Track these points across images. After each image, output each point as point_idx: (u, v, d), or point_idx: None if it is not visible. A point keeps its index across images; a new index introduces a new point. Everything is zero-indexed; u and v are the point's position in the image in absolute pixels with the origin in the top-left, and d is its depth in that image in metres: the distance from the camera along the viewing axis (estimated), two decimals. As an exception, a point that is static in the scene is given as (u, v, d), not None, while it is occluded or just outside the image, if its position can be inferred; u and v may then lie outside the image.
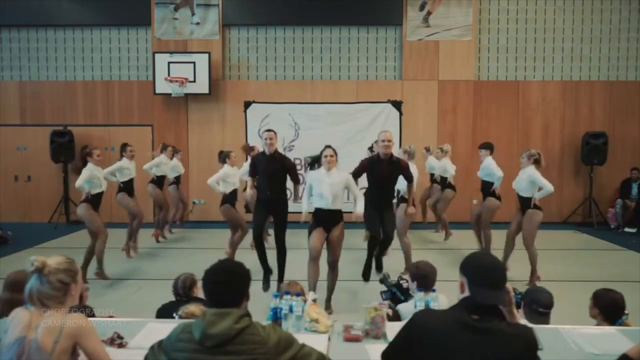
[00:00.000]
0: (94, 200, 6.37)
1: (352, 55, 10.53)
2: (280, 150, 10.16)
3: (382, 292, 4.22)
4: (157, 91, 10.11)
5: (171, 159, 8.96)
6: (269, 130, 5.86)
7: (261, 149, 6.57)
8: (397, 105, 10.24)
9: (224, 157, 7.18)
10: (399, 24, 10.35)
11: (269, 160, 5.77)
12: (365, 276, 5.93)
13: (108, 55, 10.66)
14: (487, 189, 6.99)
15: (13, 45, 10.69)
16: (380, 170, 5.69)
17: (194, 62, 10.00)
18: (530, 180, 6.12)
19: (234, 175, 7.10)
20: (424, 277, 3.48)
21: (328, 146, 5.32)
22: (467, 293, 2.03)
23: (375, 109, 10.24)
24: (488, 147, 7.25)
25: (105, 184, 6.59)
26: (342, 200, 5.29)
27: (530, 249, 6.25)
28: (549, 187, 6.08)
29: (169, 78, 9.91)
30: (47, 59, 10.67)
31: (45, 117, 10.58)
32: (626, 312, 3.23)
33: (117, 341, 2.66)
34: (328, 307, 5.20)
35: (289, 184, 5.92)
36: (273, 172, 5.75)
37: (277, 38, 10.54)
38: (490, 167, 6.91)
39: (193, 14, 10.32)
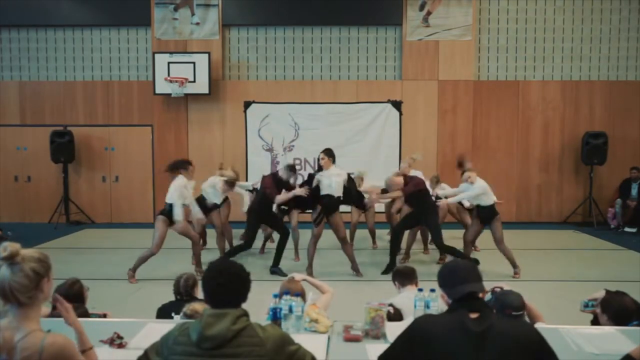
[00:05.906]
0: None
1: (352, 55, 10.53)
2: (280, 150, 10.26)
3: None
4: (157, 91, 10.10)
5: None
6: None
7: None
8: (397, 105, 10.24)
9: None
10: (399, 24, 10.34)
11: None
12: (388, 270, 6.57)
13: (108, 55, 10.65)
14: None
15: (13, 45, 10.68)
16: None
17: (194, 62, 9.98)
18: None
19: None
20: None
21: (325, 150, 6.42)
22: (448, 300, 2.09)
23: (375, 109, 10.23)
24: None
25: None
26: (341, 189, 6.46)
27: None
28: None
29: (169, 78, 9.89)
30: (47, 59, 10.66)
31: (45, 117, 10.57)
32: None
33: (117, 341, 2.65)
34: (358, 271, 6.58)
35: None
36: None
37: (277, 38, 10.54)
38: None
39: (193, 14, 10.31)
